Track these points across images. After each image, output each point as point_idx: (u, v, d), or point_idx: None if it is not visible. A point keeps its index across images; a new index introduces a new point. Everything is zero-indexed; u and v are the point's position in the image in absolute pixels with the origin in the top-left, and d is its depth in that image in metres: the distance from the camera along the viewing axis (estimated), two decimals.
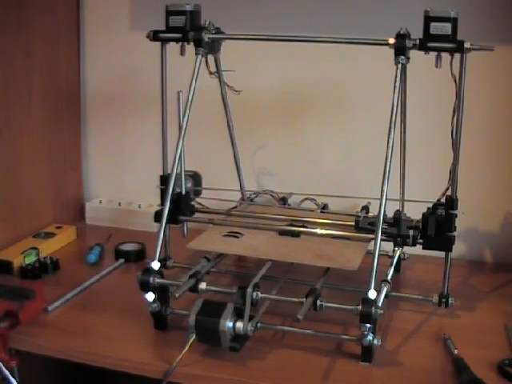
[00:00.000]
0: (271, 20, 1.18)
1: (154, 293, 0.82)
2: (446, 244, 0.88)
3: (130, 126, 1.33)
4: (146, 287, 0.82)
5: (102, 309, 0.93)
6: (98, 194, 1.38)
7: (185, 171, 1.00)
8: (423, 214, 0.88)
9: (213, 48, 0.95)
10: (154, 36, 0.93)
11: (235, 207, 1.09)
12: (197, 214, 1.04)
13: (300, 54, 1.14)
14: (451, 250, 0.88)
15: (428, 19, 0.81)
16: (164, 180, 0.99)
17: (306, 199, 1.09)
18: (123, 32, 1.29)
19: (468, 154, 0.93)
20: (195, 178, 1.06)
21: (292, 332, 0.83)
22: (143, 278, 0.82)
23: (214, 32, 0.93)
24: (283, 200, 1.11)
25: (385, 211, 0.82)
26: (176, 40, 0.93)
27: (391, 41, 0.82)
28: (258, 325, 0.79)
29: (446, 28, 0.81)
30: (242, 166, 1.13)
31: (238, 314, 0.77)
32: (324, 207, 1.08)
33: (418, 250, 0.92)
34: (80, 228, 1.26)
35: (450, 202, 0.87)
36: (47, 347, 0.84)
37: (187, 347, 0.76)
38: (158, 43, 0.94)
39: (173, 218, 0.96)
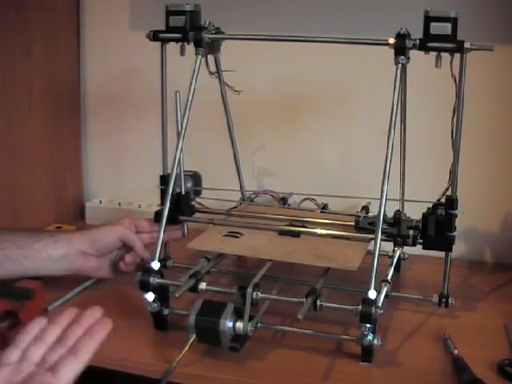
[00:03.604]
0: (271, 20, 1.18)
1: (154, 293, 0.82)
2: (446, 244, 0.88)
3: (130, 126, 1.33)
4: (146, 287, 0.82)
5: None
6: (98, 194, 1.38)
7: (185, 171, 1.00)
8: (423, 214, 0.88)
9: (213, 48, 0.95)
10: (154, 36, 0.93)
11: (235, 207, 1.09)
12: (197, 214, 1.04)
13: (300, 53, 1.14)
14: (451, 250, 0.88)
15: (428, 19, 0.81)
16: (164, 180, 0.99)
17: (306, 199, 1.09)
18: (123, 32, 1.29)
19: (468, 154, 0.93)
20: (195, 177, 1.06)
21: (292, 332, 0.83)
22: (143, 278, 0.82)
23: (214, 32, 0.93)
24: (283, 200, 1.11)
25: (385, 211, 0.82)
26: (176, 40, 0.93)
27: (391, 41, 0.82)
28: (258, 325, 0.79)
29: (446, 28, 0.80)
30: (241, 166, 1.13)
31: (238, 314, 0.77)
32: (324, 207, 1.08)
33: (418, 249, 0.91)
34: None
35: (450, 202, 0.86)
36: None
37: (187, 347, 0.76)
38: (158, 43, 0.94)
39: (173, 218, 0.96)
